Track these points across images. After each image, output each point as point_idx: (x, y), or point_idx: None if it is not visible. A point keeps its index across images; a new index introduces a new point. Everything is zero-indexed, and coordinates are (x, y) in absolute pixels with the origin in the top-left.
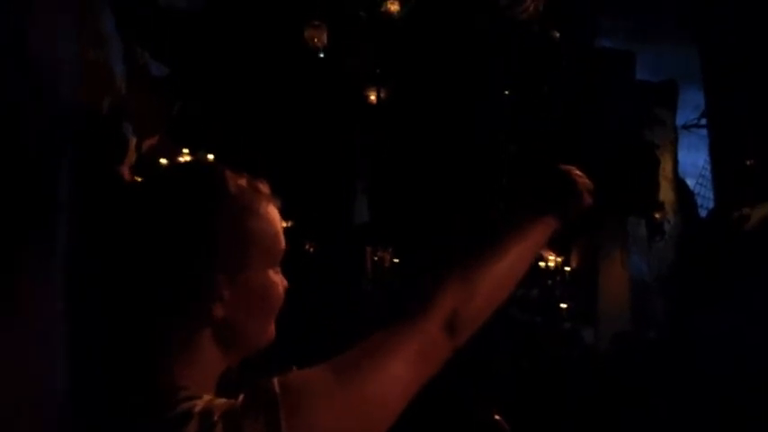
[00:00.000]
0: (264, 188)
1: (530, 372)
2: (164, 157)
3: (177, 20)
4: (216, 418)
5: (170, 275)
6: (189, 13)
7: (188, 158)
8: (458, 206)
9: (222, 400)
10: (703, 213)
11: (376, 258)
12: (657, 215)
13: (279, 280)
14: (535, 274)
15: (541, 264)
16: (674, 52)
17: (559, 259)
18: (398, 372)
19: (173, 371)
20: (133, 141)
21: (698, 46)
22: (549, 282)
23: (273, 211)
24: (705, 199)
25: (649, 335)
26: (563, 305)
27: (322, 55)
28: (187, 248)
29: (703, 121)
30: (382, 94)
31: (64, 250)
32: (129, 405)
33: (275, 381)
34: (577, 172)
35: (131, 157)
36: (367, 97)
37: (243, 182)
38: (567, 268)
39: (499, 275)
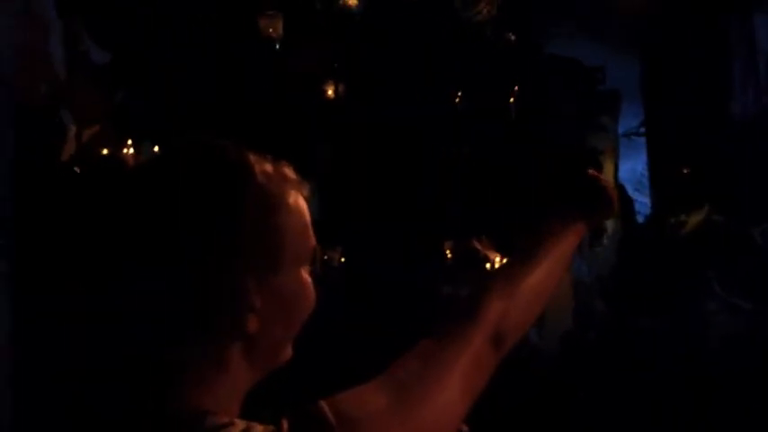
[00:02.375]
0: (291, 174)
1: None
2: (105, 148)
3: (121, 5)
4: None
5: (192, 285)
6: None
7: (131, 150)
8: (409, 207)
9: (261, 428)
10: (641, 219)
11: (325, 257)
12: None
13: (309, 280)
14: (480, 276)
15: (488, 265)
16: (616, 62)
17: (505, 261)
18: (454, 390)
19: (199, 392)
20: (72, 130)
21: (639, 58)
22: None
23: (302, 202)
24: (642, 205)
25: (590, 335)
26: None
27: (277, 46)
28: (211, 252)
29: (642, 130)
30: (340, 89)
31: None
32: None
33: (325, 406)
34: (605, 179)
35: (71, 146)
36: (324, 92)
37: (269, 168)
38: None
39: (537, 284)
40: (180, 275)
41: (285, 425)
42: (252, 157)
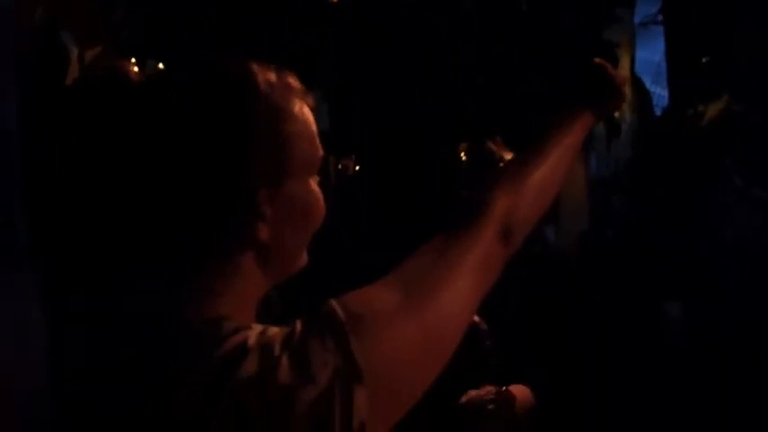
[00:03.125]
0: (295, 83)
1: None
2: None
3: None
4: (277, 350)
5: (204, 195)
6: None
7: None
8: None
9: (276, 329)
10: (659, 112)
11: (340, 167)
12: (615, 114)
13: (319, 190)
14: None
15: (501, 165)
16: None
17: None
18: (464, 285)
19: (212, 301)
20: (75, 52)
21: None
22: None
23: (308, 111)
24: (660, 97)
25: (607, 233)
26: None
27: None
28: (221, 161)
29: (660, 18)
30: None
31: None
32: (167, 343)
33: (335, 304)
34: (612, 67)
35: (74, 69)
36: None
37: (273, 77)
38: None
39: (545, 177)
40: (191, 185)
41: (298, 325)
42: (255, 67)
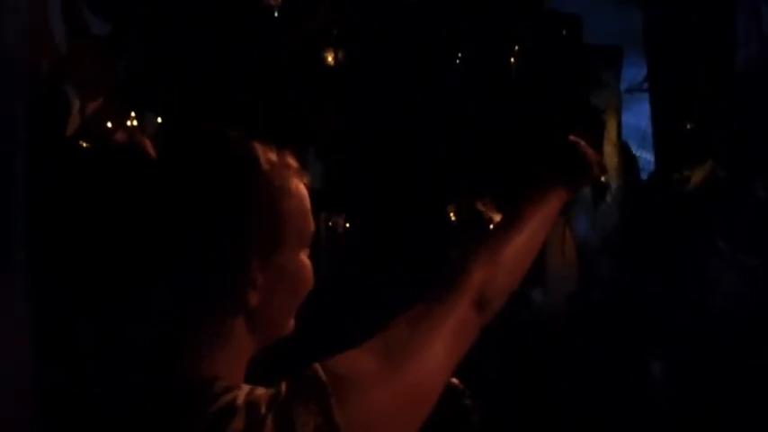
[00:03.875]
0: (293, 162)
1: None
2: (109, 121)
3: None
4: (263, 410)
5: (202, 261)
6: None
7: (135, 123)
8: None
9: (262, 390)
10: (644, 176)
11: (330, 224)
12: (603, 178)
13: (309, 262)
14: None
15: (491, 227)
16: (618, 17)
17: None
18: (440, 351)
19: (205, 360)
20: (76, 105)
21: (641, 12)
22: None
23: (303, 189)
24: (646, 162)
25: (594, 295)
26: None
27: (276, 14)
28: (220, 232)
29: (645, 86)
30: (340, 56)
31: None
32: (161, 399)
33: (318, 367)
34: (585, 145)
35: (75, 121)
36: (324, 59)
37: (273, 156)
38: None
39: (520, 248)
40: (195, 255)
41: (283, 386)
42: (258, 147)
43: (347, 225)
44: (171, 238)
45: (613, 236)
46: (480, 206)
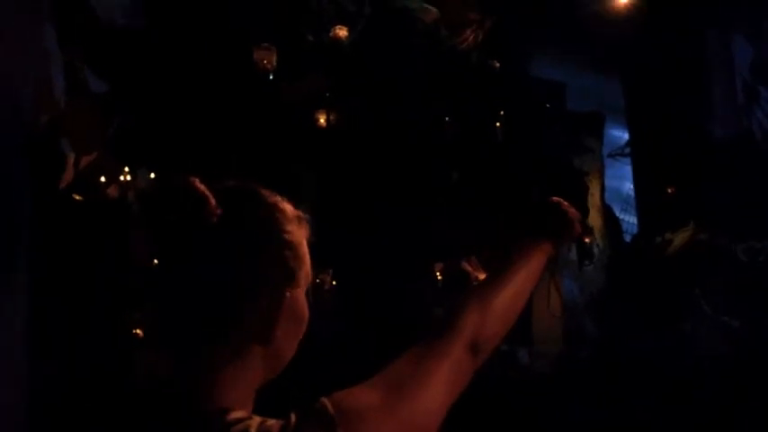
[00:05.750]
0: (295, 210)
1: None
2: (102, 175)
3: (119, 35)
4: None
5: (228, 297)
6: (132, 28)
7: (128, 177)
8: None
9: (273, 421)
10: (628, 239)
11: (317, 281)
12: (587, 240)
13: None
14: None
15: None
16: (600, 84)
17: None
18: (438, 392)
19: (219, 391)
20: (71, 159)
21: (621, 81)
22: None
23: (302, 234)
24: (630, 225)
25: (581, 355)
26: None
27: (271, 77)
28: (246, 270)
29: (628, 151)
30: (331, 118)
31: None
32: (182, 427)
33: (326, 400)
34: (567, 204)
35: (69, 174)
36: (316, 121)
37: (290, 207)
38: None
39: (509, 299)
40: (222, 290)
41: (293, 418)
42: (270, 194)
43: (333, 282)
44: (200, 278)
45: (598, 297)
46: (466, 266)
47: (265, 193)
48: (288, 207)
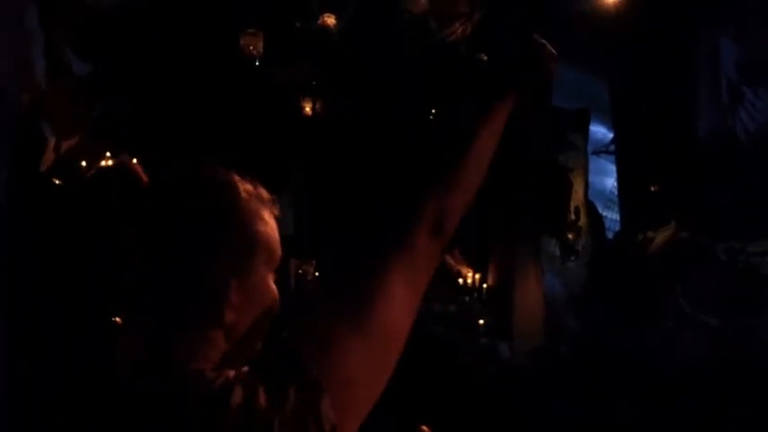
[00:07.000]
0: (265, 193)
1: (449, 385)
2: (84, 159)
3: (104, 17)
4: (254, 381)
5: (185, 280)
6: (117, 10)
7: (110, 162)
8: (383, 221)
9: (246, 368)
10: (610, 236)
11: (300, 271)
12: (570, 236)
13: (275, 288)
14: (454, 291)
15: (460, 280)
16: (586, 82)
17: (477, 276)
18: (397, 291)
19: (193, 361)
20: (51, 141)
21: (606, 78)
22: (467, 298)
23: (272, 218)
24: (612, 222)
25: (561, 350)
26: (480, 321)
27: (257, 63)
28: (204, 253)
29: (612, 149)
30: (317, 106)
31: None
32: (160, 390)
33: (290, 337)
34: (543, 41)
35: (49, 157)
36: (302, 109)
37: (249, 187)
38: (485, 285)
39: (473, 163)
40: (180, 273)
41: (264, 360)
42: (237, 178)
43: (316, 273)
44: (157, 255)
45: (580, 292)
46: (449, 259)
47: (220, 172)
48: (247, 188)
